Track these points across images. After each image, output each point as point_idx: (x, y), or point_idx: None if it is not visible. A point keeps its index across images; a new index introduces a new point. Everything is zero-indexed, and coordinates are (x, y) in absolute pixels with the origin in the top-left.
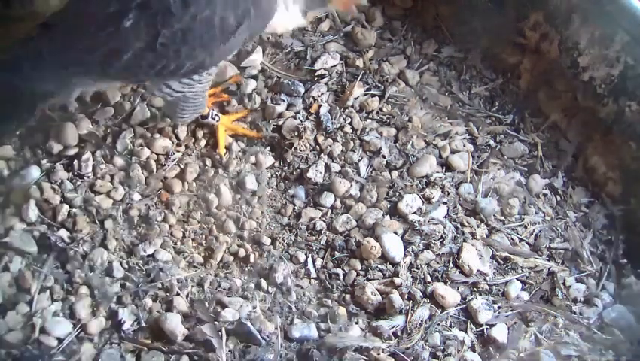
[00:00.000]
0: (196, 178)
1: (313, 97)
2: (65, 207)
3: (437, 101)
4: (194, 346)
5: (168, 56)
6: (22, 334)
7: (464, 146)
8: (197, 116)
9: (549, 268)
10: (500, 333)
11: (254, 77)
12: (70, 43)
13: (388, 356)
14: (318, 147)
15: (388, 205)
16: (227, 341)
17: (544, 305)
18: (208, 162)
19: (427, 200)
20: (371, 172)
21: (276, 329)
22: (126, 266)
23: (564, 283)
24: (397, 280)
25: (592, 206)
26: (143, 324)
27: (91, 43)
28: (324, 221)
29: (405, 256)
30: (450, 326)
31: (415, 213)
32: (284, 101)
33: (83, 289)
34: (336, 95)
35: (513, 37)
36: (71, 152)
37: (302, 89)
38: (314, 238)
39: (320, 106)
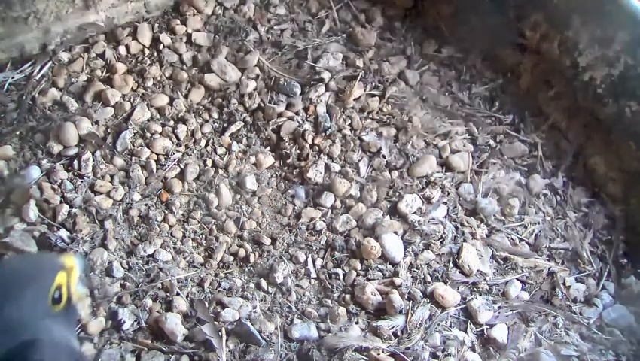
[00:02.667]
0: (196, 178)
1: (313, 97)
2: (65, 207)
3: (437, 101)
4: (194, 346)
5: None
6: None
7: (464, 146)
8: None
9: (549, 268)
10: (500, 333)
11: (255, 78)
12: None
13: (388, 356)
14: (317, 147)
15: (388, 205)
16: (227, 341)
17: (544, 305)
18: (209, 162)
19: (427, 200)
20: (371, 172)
21: (276, 329)
22: (126, 266)
23: (564, 283)
24: (397, 280)
25: (592, 206)
26: (143, 324)
27: None
28: (324, 221)
29: (405, 256)
30: (450, 326)
31: (415, 213)
32: (282, 101)
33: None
34: (336, 96)
35: (513, 38)
36: (71, 152)
37: (301, 90)
38: (314, 238)
39: (319, 106)
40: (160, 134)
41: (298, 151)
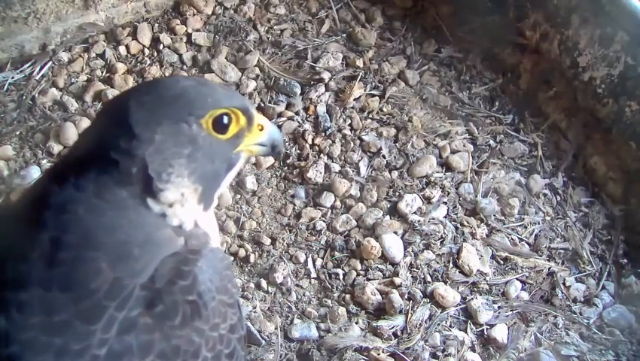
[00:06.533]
0: None
1: (313, 97)
2: None
3: (437, 101)
4: None
5: None
6: None
7: (464, 146)
8: None
9: (549, 268)
10: (500, 333)
11: (255, 78)
12: None
13: (388, 356)
14: (317, 147)
15: (388, 205)
16: None
17: (544, 305)
18: None
19: (427, 200)
20: (371, 172)
21: (276, 329)
22: None
23: (564, 283)
24: (397, 280)
25: (592, 206)
26: None
27: None
28: (324, 221)
29: (405, 256)
30: (450, 326)
31: (415, 213)
32: (283, 101)
33: None
34: (336, 95)
35: (513, 38)
36: None
37: (301, 90)
38: (314, 238)
39: (319, 106)
40: None
41: (298, 151)
